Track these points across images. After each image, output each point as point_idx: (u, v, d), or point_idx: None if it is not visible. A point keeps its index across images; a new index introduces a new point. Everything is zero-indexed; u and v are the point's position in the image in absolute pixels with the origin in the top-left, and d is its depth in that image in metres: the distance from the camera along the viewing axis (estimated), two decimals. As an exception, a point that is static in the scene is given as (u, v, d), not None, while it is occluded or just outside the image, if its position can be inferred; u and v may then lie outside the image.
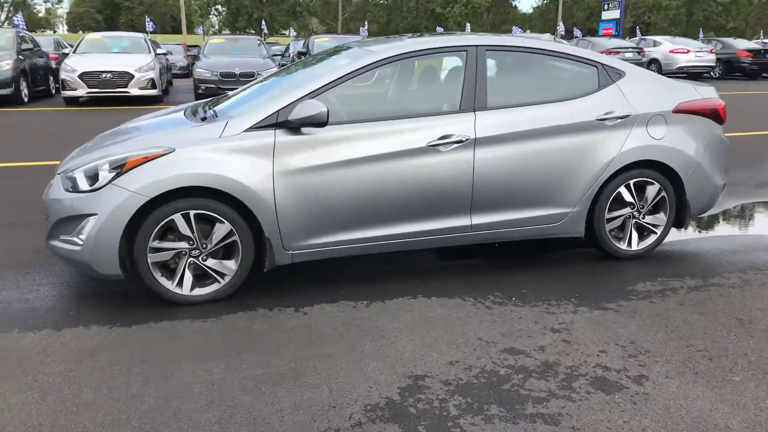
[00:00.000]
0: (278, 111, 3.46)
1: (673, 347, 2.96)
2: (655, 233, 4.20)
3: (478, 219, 3.80)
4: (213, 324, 3.23)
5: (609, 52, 20.66)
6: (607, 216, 4.06)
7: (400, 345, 2.99)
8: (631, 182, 4.03)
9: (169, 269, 3.48)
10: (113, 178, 3.29)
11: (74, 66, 12.43)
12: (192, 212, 3.35)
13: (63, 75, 12.43)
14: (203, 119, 3.67)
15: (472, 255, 4.30)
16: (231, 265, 3.49)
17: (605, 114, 3.90)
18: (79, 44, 14.04)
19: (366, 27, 37.32)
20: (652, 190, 4.09)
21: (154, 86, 12.96)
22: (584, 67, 4.01)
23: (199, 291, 3.49)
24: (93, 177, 3.35)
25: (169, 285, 3.43)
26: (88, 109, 12.45)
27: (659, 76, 4.25)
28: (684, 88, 4.19)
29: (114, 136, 3.86)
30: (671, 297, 3.55)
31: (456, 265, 4.11)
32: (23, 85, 12.93)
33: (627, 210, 4.10)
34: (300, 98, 3.48)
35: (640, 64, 21.08)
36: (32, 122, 10.77)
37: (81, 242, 3.32)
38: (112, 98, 12.57)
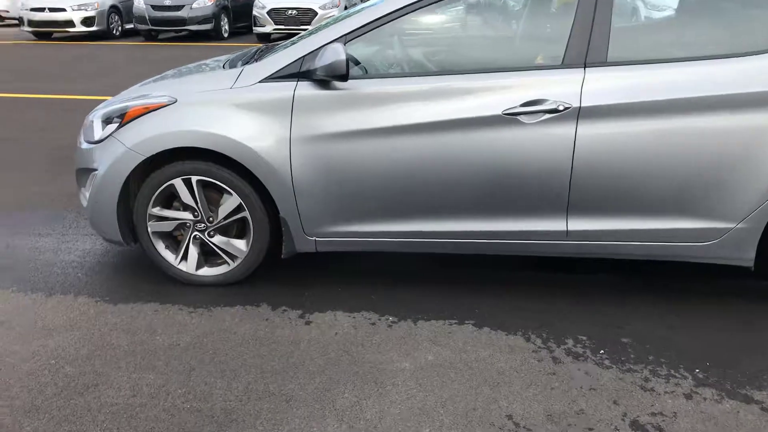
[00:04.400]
0: (303, 57, 2.65)
1: None
2: None
3: (578, 224, 2.64)
4: (197, 318, 2.65)
5: None
6: (799, 242, 2.61)
7: (389, 402, 2.11)
8: None
9: (176, 241, 2.96)
10: (115, 130, 2.81)
11: (264, 3, 12.62)
12: (194, 178, 2.75)
13: (254, 12, 12.71)
14: (233, 66, 3.00)
15: (581, 268, 3.14)
16: (242, 246, 2.85)
17: (812, 82, 2.42)
18: (274, -18, 14.24)
19: None
20: None
21: (338, 23, 12.68)
22: (786, 4, 2.52)
23: (206, 271, 2.93)
24: (107, 123, 2.90)
25: (172, 259, 2.91)
26: (273, 45, 12.63)
27: None
28: None
29: (161, 77, 3.38)
30: None
31: (545, 280, 3.00)
32: (224, 21, 13.55)
33: (835, 236, 2.60)
34: (330, 41, 2.62)
35: None
36: (221, 54, 11.16)
37: (86, 199, 2.93)
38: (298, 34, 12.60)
